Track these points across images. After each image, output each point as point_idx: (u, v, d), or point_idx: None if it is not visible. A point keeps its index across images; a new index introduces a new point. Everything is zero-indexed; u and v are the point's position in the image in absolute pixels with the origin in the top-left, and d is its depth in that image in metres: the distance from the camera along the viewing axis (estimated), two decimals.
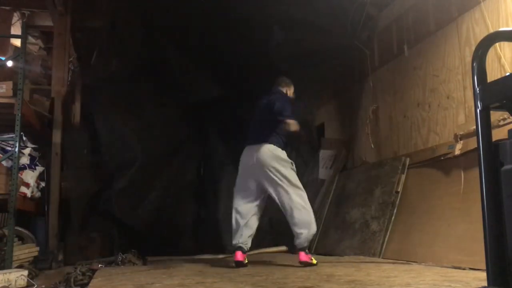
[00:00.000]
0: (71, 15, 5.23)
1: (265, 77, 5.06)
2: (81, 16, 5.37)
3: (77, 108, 6.02)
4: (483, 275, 1.37)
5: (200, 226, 5.58)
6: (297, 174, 3.66)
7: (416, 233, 3.74)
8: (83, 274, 3.39)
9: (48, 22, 5.76)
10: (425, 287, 2.20)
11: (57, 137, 4.90)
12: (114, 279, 2.86)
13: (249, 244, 3.60)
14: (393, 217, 4.11)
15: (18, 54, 4.39)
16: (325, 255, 4.50)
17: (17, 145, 4.12)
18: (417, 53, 4.28)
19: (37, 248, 4.53)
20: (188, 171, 5.56)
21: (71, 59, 5.62)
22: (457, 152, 3.53)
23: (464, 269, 2.91)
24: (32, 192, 4.66)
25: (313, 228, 3.51)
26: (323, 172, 5.64)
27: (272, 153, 3.55)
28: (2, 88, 4.18)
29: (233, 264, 3.48)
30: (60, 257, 4.76)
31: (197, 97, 5.36)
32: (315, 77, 6.32)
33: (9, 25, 5.47)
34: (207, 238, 5.40)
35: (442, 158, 3.73)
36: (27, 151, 4.70)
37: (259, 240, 3.87)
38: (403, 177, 4.21)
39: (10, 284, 3.19)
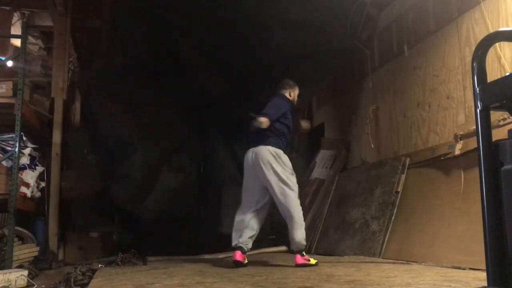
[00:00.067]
0: (71, 15, 5.24)
1: (265, 77, 5.09)
2: (81, 16, 5.37)
3: (77, 108, 6.03)
4: (483, 275, 1.37)
5: (200, 225, 5.58)
6: (297, 174, 3.67)
7: (416, 233, 3.74)
8: (83, 274, 3.40)
9: (48, 22, 5.77)
10: (425, 287, 2.20)
11: (57, 137, 4.90)
12: (114, 279, 2.86)
13: (249, 245, 3.61)
14: (393, 217, 4.11)
15: (18, 54, 4.39)
16: (325, 255, 4.50)
17: (17, 145, 4.12)
18: (417, 53, 4.28)
19: (37, 248, 4.54)
20: (188, 171, 5.55)
21: (71, 59, 5.63)
22: (457, 152, 3.53)
23: (464, 269, 2.91)
24: (32, 192, 4.66)
25: (303, 232, 3.50)
26: (323, 172, 5.64)
27: (271, 154, 3.57)
28: (2, 88, 4.19)
29: (233, 264, 3.48)
30: (60, 257, 4.77)
31: (206, 92, 5.37)
32: (315, 77, 6.32)
33: (9, 25, 5.48)
34: (207, 237, 5.39)
35: (442, 158, 3.73)
36: (27, 151, 4.70)
37: (259, 240, 3.87)
38: (403, 177, 4.21)
39: (10, 284, 3.19)
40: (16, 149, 4.12)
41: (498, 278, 1.26)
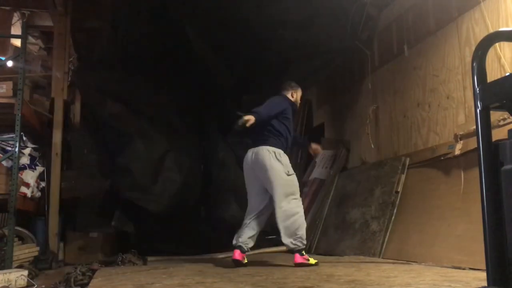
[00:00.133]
0: (71, 15, 5.24)
1: (265, 77, 5.09)
2: (81, 16, 5.37)
3: (77, 108, 6.03)
4: (483, 275, 1.37)
5: (200, 225, 5.58)
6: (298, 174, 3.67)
7: (416, 233, 3.74)
8: (83, 274, 3.39)
9: (48, 22, 5.77)
10: (425, 287, 2.20)
11: (57, 137, 4.90)
12: (114, 279, 2.86)
13: (249, 245, 3.61)
14: (393, 217, 4.11)
15: (18, 54, 4.39)
16: (325, 255, 4.50)
17: (17, 145, 4.12)
18: (417, 53, 4.28)
19: (37, 248, 4.54)
20: (188, 171, 5.55)
21: (71, 59, 5.63)
22: (457, 152, 3.53)
23: (464, 269, 2.91)
24: (32, 192, 4.66)
25: (298, 233, 3.47)
26: (323, 172, 5.64)
27: (270, 153, 3.56)
28: (2, 88, 4.19)
29: (233, 264, 3.49)
30: (60, 257, 4.77)
31: (205, 92, 5.37)
32: (315, 77, 6.33)
33: (9, 25, 5.48)
34: (207, 237, 5.39)
35: (442, 158, 3.73)
36: (27, 151, 4.70)
37: (259, 240, 3.87)
38: (403, 177, 4.21)
39: (10, 284, 3.19)
40: (16, 149, 4.12)
41: (498, 278, 1.26)
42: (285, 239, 3.48)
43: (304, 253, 3.50)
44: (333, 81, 6.14)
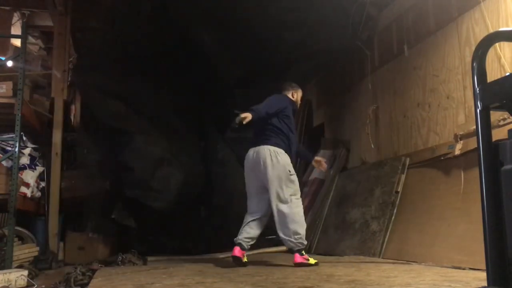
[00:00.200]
0: (71, 15, 5.24)
1: (265, 77, 5.09)
2: (81, 16, 5.37)
3: (77, 108, 6.03)
4: (483, 275, 1.37)
5: (200, 225, 5.58)
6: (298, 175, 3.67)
7: (416, 233, 3.74)
8: (83, 274, 3.40)
9: (48, 22, 5.76)
10: (425, 287, 2.20)
11: (57, 137, 4.91)
12: (114, 279, 2.86)
13: (250, 243, 3.61)
14: (393, 217, 4.11)
15: (18, 54, 4.40)
16: (325, 255, 4.50)
17: (17, 145, 4.13)
18: (417, 53, 4.28)
19: (37, 248, 4.54)
20: (188, 170, 5.55)
21: (71, 59, 5.63)
22: (457, 152, 3.53)
23: (464, 269, 2.91)
24: (32, 192, 4.66)
25: (298, 233, 3.47)
26: (323, 172, 5.64)
27: (271, 153, 3.57)
28: (2, 88, 4.19)
29: (232, 262, 3.49)
30: (60, 257, 4.77)
31: (205, 92, 5.38)
32: (315, 77, 6.34)
33: (9, 25, 5.48)
34: (207, 237, 5.40)
35: (442, 158, 3.73)
36: (27, 151, 4.70)
37: (259, 240, 3.87)
38: (403, 177, 4.21)
39: (10, 284, 3.19)
40: (16, 149, 4.13)
41: (498, 278, 1.26)
42: (285, 239, 3.48)
43: (304, 253, 3.50)
44: (333, 81, 6.14)
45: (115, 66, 5.00)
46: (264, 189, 3.62)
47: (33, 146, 4.83)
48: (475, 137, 1.45)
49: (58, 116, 4.95)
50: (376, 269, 3.03)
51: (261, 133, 3.69)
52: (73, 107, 6.16)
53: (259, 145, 3.64)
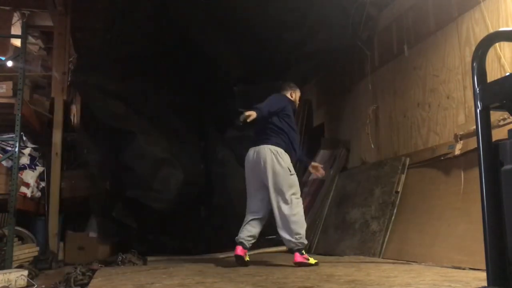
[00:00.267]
0: (71, 15, 5.24)
1: (264, 76, 5.09)
2: (81, 16, 5.37)
3: (77, 108, 6.03)
4: (483, 275, 1.38)
5: (200, 225, 5.58)
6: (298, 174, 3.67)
7: (416, 233, 3.74)
8: (83, 274, 3.39)
9: (48, 22, 5.76)
10: (425, 287, 2.20)
11: (57, 137, 4.91)
12: (114, 279, 2.86)
13: (251, 241, 3.62)
14: (393, 217, 4.11)
15: (18, 54, 4.40)
16: (325, 255, 4.50)
17: (17, 145, 4.12)
18: (417, 53, 4.28)
19: (37, 248, 4.54)
20: (188, 169, 5.56)
21: (71, 59, 5.63)
22: (457, 152, 3.53)
23: (464, 269, 2.91)
24: (32, 192, 4.66)
25: (299, 233, 3.47)
26: None
27: (271, 153, 3.57)
28: (2, 88, 4.19)
29: (235, 261, 3.50)
30: (60, 257, 4.77)
31: (205, 92, 5.37)
32: (315, 77, 6.34)
33: (9, 25, 5.48)
34: (207, 237, 5.40)
35: (442, 158, 3.73)
36: (27, 151, 4.70)
37: (259, 240, 3.88)
38: (403, 177, 4.21)
39: (10, 284, 3.19)
40: (16, 149, 4.12)
41: (498, 278, 1.26)
42: (285, 239, 3.49)
43: (304, 253, 3.51)
44: (333, 81, 6.14)
45: (115, 66, 5.00)
46: (265, 189, 3.62)
47: (33, 146, 4.83)
48: (475, 137, 1.45)
49: (58, 116, 4.95)
50: (376, 269, 3.03)
51: (262, 132, 3.70)
52: (73, 107, 6.16)
53: (259, 144, 3.65)
